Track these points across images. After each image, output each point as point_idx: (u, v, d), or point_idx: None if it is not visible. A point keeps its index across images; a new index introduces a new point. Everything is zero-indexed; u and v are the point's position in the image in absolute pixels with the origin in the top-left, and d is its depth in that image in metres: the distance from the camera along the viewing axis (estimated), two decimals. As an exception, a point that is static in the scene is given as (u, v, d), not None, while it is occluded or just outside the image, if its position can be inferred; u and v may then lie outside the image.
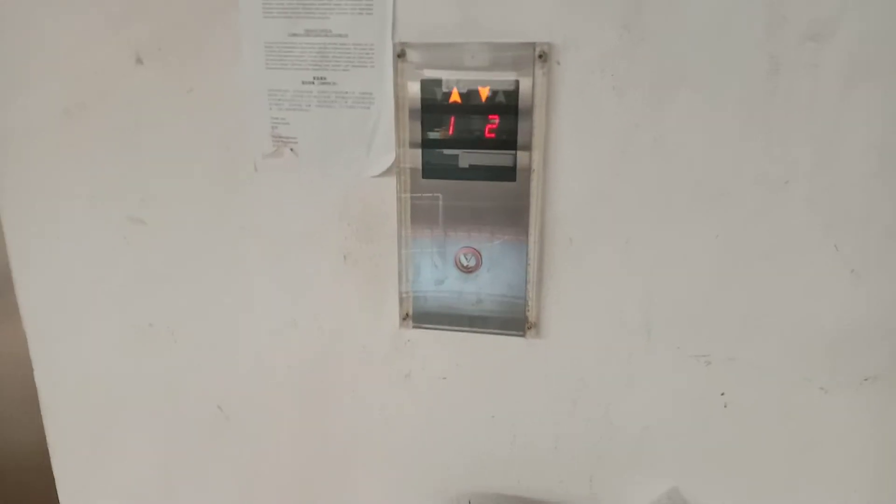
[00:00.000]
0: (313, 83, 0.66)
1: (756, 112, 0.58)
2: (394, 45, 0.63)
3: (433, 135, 0.64)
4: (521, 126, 0.62)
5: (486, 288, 0.68)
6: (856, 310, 0.63)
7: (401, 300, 0.70)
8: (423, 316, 0.70)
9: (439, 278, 0.69)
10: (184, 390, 0.78)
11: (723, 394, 0.68)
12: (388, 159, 0.66)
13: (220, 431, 0.79)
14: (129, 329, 0.77)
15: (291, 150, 0.68)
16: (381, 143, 0.66)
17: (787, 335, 0.64)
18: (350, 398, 0.75)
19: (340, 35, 0.64)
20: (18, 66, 0.70)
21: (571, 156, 0.62)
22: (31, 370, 0.83)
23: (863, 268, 0.61)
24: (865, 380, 0.64)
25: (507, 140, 0.63)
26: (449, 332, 0.70)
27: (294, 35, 0.65)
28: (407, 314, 0.71)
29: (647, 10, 0.57)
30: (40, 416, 0.85)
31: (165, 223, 0.73)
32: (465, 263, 0.68)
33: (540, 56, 0.60)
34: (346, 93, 0.65)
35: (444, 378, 0.73)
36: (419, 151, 0.65)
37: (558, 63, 0.60)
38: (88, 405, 0.81)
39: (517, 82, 0.61)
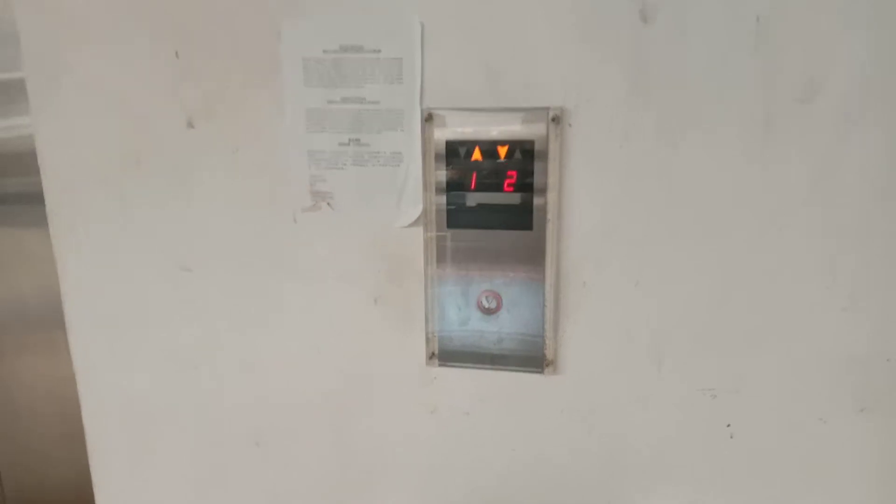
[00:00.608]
0: (349, 144, 0.73)
1: (755, 157, 0.65)
2: (422, 111, 0.70)
3: (457, 188, 0.71)
4: (537, 181, 0.69)
5: (506, 328, 0.74)
6: (851, 342, 0.68)
7: (427, 340, 0.76)
8: (448, 354, 0.76)
9: (463, 319, 0.75)
10: (220, 419, 0.84)
11: (729, 425, 0.73)
12: (416, 211, 0.73)
13: (253, 458, 0.84)
14: (173, 363, 0.83)
15: (328, 204, 0.75)
16: (409, 197, 0.73)
17: (787, 368, 0.69)
18: (379, 430, 0.80)
19: (374, 102, 0.71)
20: (85, 122, 0.77)
21: (583, 206, 0.69)
22: (72, 408, 0.89)
23: (856, 302, 0.67)
24: (862, 410, 0.69)
25: (525, 193, 0.69)
26: (472, 370, 0.76)
27: (332, 102, 0.72)
28: (433, 353, 0.76)
29: (649, 74, 0.64)
30: (81, 453, 0.90)
31: (210, 269, 0.80)
32: (486, 305, 0.74)
33: (553, 119, 0.67)
34: (379, 152, 0.73)
35: (468, 413, 0.78)
36: (444, 204, 0.72)
37: (570, 125, 0.67)
38: (130, 431, 0.87)
39: (533, 142, 0.68)
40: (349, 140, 0.73)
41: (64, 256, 0.83)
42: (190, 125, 0.76)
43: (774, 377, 0.70)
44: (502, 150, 0.69)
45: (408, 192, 0.73)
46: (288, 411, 0.82)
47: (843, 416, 0.70)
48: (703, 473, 0.74)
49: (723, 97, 0.64)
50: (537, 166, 0.68)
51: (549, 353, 0.74)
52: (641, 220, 0.68)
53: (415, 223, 0.73)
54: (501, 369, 0.75)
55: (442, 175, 0.71)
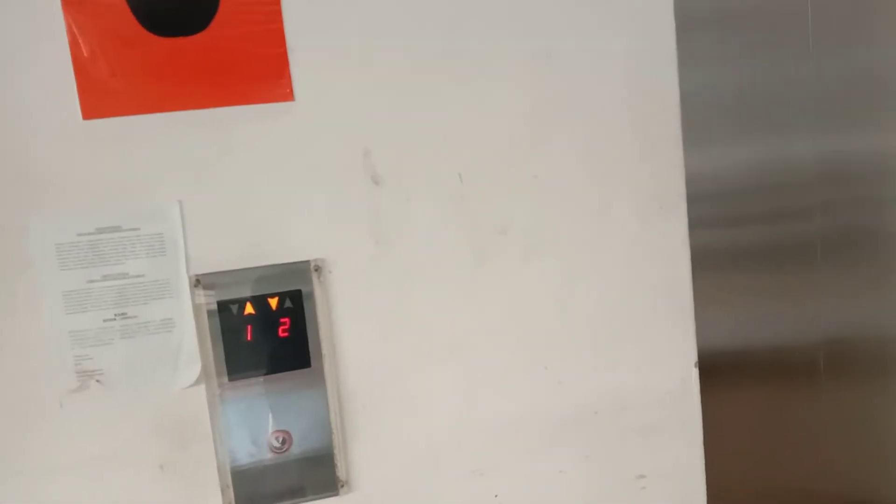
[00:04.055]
0: (115, 319, 0.74)
1: (469, 285, 0.82)
2: (189, 278, 0.75)
3: (234, 342, 0.77)
4: (309, 323, 0.78)
5: (299, 460, 0.80)
6: (560, 404, 0.88)
7: (223, 492, 0.78)
8: (246, 501, 0.79)
9: (257, 462, 0.79)
10: None
11: (496, 495, 0.87)
12: (195, 372, 0.76)
13: None
14: None
15: (97, 381, 0.74)
16: (186, 359, 0.76)
17: (532, 442, 0.87)
18: None
19: (138, 276, 0.74)
20: None
21: (351, 340, 0.79)
22: None
23: (562, 381, 0.87)
24: (586, 457, 0.89)
25: (299, 336, 0.78)
26: (272, 510, 0.80)
27: (92, 281, 0.73)
28: (230, 503, 0.79)
29: (385, 227, 0.79)
30: None
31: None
32: (276, 444, 0.79)
33: (315, 269, 0.77)
34: (148, 322, 0.75)
35: (272, 553, 0.81)
36: (223, 358, 0.77)
37: (330, 272, 0.78)
38: None
39: (300, 290, 0.77)
40: (115, 315, 0.74)
41: None
42: (-82, 328, 0.70)
43: (522, 449, 0.87)
44: (273, 302, 0.77)
45: (184, 355, 0.76)
46: None
47: (573, 465, 0.89)
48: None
49: (441, 241, 0.81)
50: (307, 311, 0.78)
51: (341, 475, 0.81)
52: (397, 346, 0.81)
53: (195, 383, 0.76)
54: (301, 501, 0.80)
55: (217, 332, 0.76)
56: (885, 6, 1.44)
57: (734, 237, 1.63)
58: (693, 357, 0.90)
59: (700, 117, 1.49)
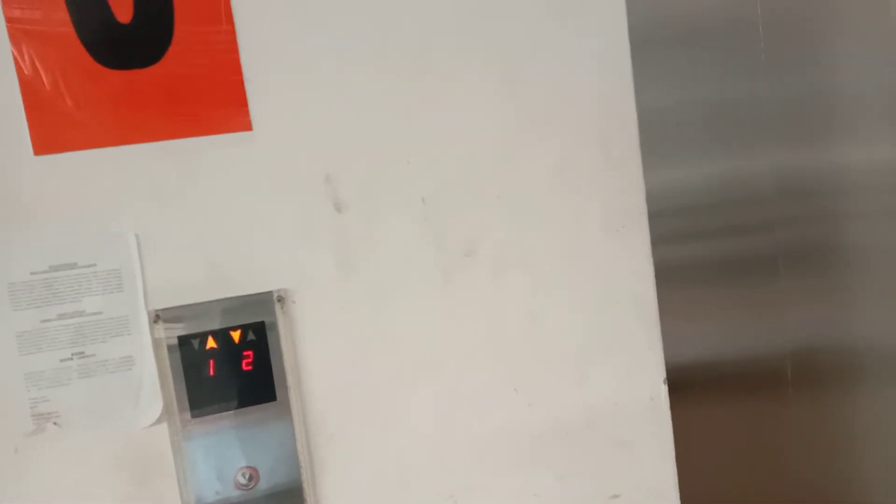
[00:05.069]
0: (72, 359, 0.72)
1: (440, 303, 0.82)
2: (148, 313, 0.73)
3: (196, 378, 0.75)
4: (273, 355, 0.76)
5: (267, 496, 0.78)
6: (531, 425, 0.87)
7: (188, 533, 0.76)
8: (213, 541, 0.77)
9: (222, 501, 0.77)
10: None
11: (470, 522, 0.86)
12: (157, 410, 0.74)
13: None
14: None
15: (55, 423, 0.72)
16: (147, 397, 0.74)
17: (504, 467, 0.86)
18: None
19: (95, 313, 0.72)
20: None
21: (318, 369, 0.78)
22: None
23: (534, 404, 0.87)
24: (560, 477, 0.89)
25: (263, 369, 0.76)
26: (240, 549, 0.78)
27: (46, 321, 0.71)
28: (196, 545, 0.76)
29: (351, 253, 0.78)
30: None
31: None
32: (243, 482, 0.77)
33: (278, 299, 0.76)
34: (107, 360, 0.73)
35: None
36: (185, 394, 0.75)
37: (294, 302, 0.77)
38: None
39: (263, 322, 0.76)
40: (72, 354, 0.72)
41: None
42: None
43: (496, 472, 0.86)
44: (235, 335, 0.76)
45: (145, 393, 0.74)
46: None
47: (546, 487, 0.88)
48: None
49: (407, 265, 0.80)
50: (271, 342, 0.76)
51: (311, 509, 0.79)
52: (364, 374, 0.80)
53: (157, 421, 0.74)
54: (270, 539, 0.78)
55: (179, 368, 0.74)
56: (840, 24, 1.49)
57: (698, 252, 1.65)
58: (661, 373, 0.91)
59: (663, 134, 1.51)
